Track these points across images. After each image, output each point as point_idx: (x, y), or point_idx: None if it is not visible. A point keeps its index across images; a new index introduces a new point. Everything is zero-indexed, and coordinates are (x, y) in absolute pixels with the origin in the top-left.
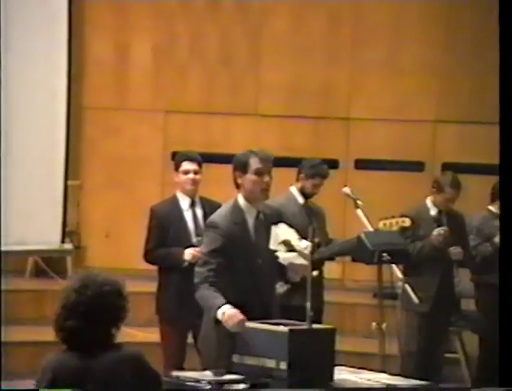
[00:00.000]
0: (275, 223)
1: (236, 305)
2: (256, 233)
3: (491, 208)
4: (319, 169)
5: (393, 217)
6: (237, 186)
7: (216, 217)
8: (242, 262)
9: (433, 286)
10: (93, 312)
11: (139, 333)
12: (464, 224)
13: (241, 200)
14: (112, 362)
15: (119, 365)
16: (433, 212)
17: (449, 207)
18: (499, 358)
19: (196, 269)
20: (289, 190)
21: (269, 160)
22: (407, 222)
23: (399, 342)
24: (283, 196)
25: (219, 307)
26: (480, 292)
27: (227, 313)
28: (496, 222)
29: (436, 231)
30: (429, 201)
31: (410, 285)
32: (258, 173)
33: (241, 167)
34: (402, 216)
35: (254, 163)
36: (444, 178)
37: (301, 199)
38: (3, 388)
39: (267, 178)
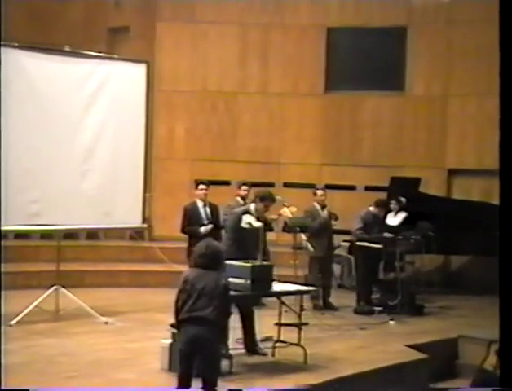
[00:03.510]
0: (244, 213)
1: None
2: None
3: (370, 208)
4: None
5: (287, 207)
6: (253, 201)
7: (239, 209)
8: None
9: (324, 242)
10: (209, 256)
11: (179, 267)
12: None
13: (252, 208)
14: (216, 277)
15: (219, 279)
16: (318, 207)
17: (323, 203)
18: (499, 358)
19: None
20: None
21: (274, 201)
22: (294, 209)
23: (309, 271)
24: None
25: None
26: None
27: None
28: (370, 216)
29: (325, 213)
30: (316, 203)
31: (310, 243)
32: (266, 206)
33: (261, 198)
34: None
35: (267, 202)
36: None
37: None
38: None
39: (266, 209)
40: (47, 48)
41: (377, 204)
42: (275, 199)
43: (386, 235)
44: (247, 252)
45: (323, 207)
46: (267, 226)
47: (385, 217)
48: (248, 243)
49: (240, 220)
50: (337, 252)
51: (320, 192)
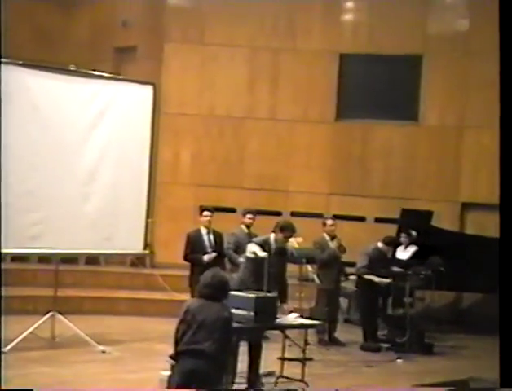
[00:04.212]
0: (249, 242)
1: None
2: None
3: (379, 244)
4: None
5: (294, 237)
6: (273, 231)
7: (258, 238)
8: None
9: (333, 274)
10: (214, 286)
11: (181, 295)
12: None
13: (272, 239)
14: (218, 309)
15: (221, 311)
16: (328, 238)
17: (333, 234)
18: (499, 358)
19: None
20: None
21: (294, 231)
22: (300, 240)
23: (315, 304)
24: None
25: None
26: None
27: None
28: (377, 253)
29: (335, 244)
30: (325, 234)
31: (317, 274)
32: (285, 236)
33: (281, 228)
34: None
35: (287, 232)
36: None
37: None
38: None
39: (286, 239)
40: (52, 67)
41: (386, 242)
42: (295, 231)
43: (396, 269)
44: (261, 282)
45: (332, 238)
46: (285, 255)
47: (394, 253)
48: (262, 273)
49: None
50: (344, 284)
51: (329, 222)
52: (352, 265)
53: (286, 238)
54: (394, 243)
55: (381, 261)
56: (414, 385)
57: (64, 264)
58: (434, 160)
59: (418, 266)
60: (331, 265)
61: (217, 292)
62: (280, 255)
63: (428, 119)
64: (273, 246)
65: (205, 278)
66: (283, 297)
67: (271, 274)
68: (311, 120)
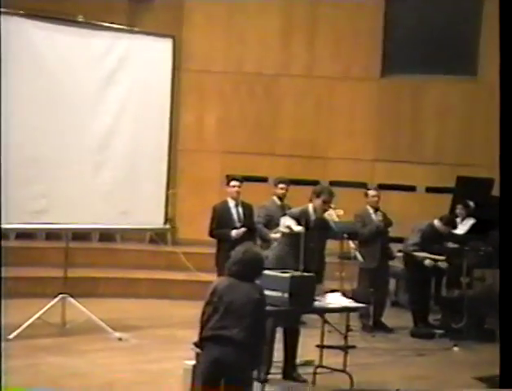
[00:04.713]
0: (282, 215)
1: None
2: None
3: (435, 221)
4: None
5: (333, 209)
6: (310, 200)
7: (294, 210)
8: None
9: (377, 251)
10: (247, 264)
11: (206, 275)
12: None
13: (311, 209)
14: (249, 290)
15: (252, 292)
16: (371, 211)
17: (377, 206)
18: (499, 358)
19: None
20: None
21: (332, 195)
22: (341, 212)
23: (358, 285)
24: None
25: None
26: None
27: None
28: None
29: (379, 217)
30: (368, 206)
31: (360, 251)
32: (324, 201)
33: (317, 193)
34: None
35: (324, 196)
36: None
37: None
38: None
39: (326, 206)
40: (58, 18)
41: (445, 222)
42: (333, 194)
43: (451, 245)
44: (299, 260)
45: (376, 210)
46: (326, 229)
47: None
48: (298, 250)
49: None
50: (391, 263)
51: (372, 193)
52: (400, 241)
53: (326, 204)
54: (452, 223)
55: (435, 240)
56: (473, 377)
57: (74, 241)
58: (496, 120)
59: (477, 242)
60: (374, 240)
61: (249, 270)
62: (321, 228)
63: (489, 74)
64: (312, 217)
65: (236, 254)
66: (319, 277)
67: (309, 250)
68: (353, 77)
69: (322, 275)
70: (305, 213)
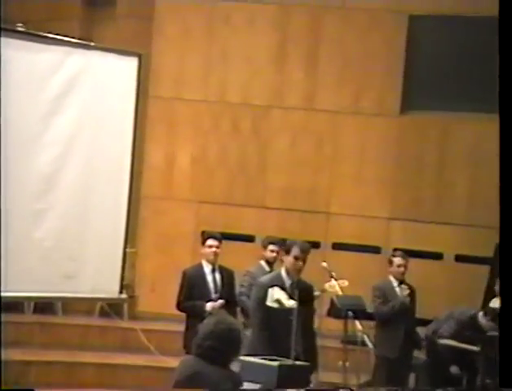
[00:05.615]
0: (271, 286)
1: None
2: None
3: (480, 314)
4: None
5: (335, 279)
6: (281, 261)
7: (264, 278)
8: None
9: (399, 336)
10: (219, 339)
11: (171, 360)
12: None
13: (283, 272)
14: (221, 378)
15: (225, 382)
16: (395, 284)
17: (402, 278)
18: (499, 358)
19: None
20: None
21: (306, 250)
22: (346, 283)
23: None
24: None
25: None
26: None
27: None
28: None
29: (404, 292)
30: (392, 277)
31: (377, 335)
32: (296, 258)
33: (286, 250)
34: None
35: (295, 251)
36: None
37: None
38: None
39: (300, 263)
40: None
41: (491, 317)
42: (308, 247)
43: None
44: (280, 345)
45: (400, 282)
46: (309, 295)
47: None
48: (280, 330)
49: (265, 295)
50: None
51: (398, 261)
52: (423, 323)
53: (298, 260)
54: (496, 318)
55: (473, 330)
56: None
57: (4, 312)
58: None
59: None
60: (397, 322)
61: (222, 348)
62: (300, 298)
63: None
64: (287, 283)
65: (205, 327)
66: (312, 363)
67: (289, 329)
68: (364, 111)
69: (315, 361)
70: (277, 278)
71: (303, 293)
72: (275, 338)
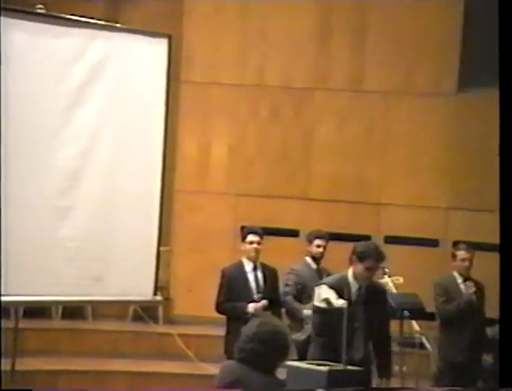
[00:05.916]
0: (318, 285)
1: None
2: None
3: None
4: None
5: (389, 276)
6: (350, 262)
7: (328, 279)
8: None
9: (465, 338)
10: (264, 342)
11: (211, 367)
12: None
13: (350, 276)
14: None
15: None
16: (459, 280)
17: (467, 273)
18: (499, 358)
19: None
20: None
21: (381, 258)
22: (400, 280)
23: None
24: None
25: None
26: None
27: None
28: None
29: (470, 289)
30: (456, 272)
31: (441, 335)
32: (369, 269)
33: (358, 255)
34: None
35: (370, 262)
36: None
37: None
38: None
39: (373, 273)
40: (11, 8)
41: None
42: (384, 256)
43: None
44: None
45: (465, 279)
46: (379, 302)
47: None
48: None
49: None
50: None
51: (462, 254)
52: (493, 323)
53: (371, 271)
54: None
55: None
56: None
57: (27, 319)
58: None
59: None
60: (463, 322)
61: (267, 352)
62: (369, 302)
63: None
64: (354, 288)
65: (247, 330)
66: (384, 369)
67: (354, 332)
68: (417, 91)
69: (389, 367)
70: (343, 281)
71: (375, 296)
72: (339, 343)
